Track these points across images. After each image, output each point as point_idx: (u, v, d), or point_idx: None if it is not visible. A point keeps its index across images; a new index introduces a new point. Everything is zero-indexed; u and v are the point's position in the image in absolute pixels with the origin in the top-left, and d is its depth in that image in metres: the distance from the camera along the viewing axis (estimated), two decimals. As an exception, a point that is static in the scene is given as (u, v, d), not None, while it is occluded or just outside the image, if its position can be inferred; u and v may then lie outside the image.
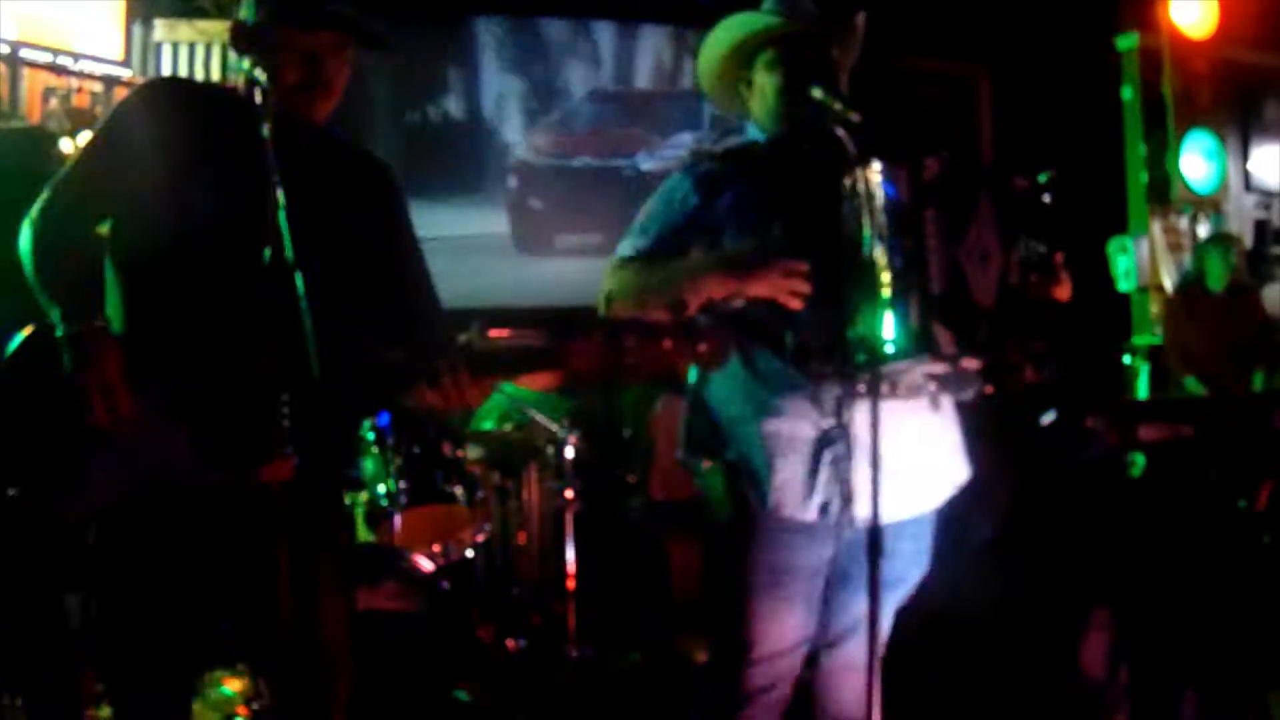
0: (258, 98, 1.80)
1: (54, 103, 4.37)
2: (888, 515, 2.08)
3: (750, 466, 2.17)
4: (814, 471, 2.12)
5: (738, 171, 2.26)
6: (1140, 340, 6.62)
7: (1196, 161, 6.78)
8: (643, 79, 6.45)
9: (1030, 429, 4.18)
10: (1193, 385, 5.65)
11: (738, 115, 2.40)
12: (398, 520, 3.64)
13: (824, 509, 2.12)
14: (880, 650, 1.94)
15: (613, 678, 3.91)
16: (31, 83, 4.46)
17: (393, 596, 3.50)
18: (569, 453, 4.02)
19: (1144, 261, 6.64)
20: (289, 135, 1.81)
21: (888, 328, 1.91)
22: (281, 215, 1.69)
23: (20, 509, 1.85)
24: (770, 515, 2.14)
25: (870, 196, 1.90)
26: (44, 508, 1.85)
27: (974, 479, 2.32)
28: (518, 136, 6.21)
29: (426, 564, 3.72)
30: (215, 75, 4.96)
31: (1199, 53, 6.74)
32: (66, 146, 4.10)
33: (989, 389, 2.17)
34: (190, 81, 2.69)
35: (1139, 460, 3.94)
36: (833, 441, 2.12)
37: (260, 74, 1.81)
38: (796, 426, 2.13)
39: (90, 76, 4.58)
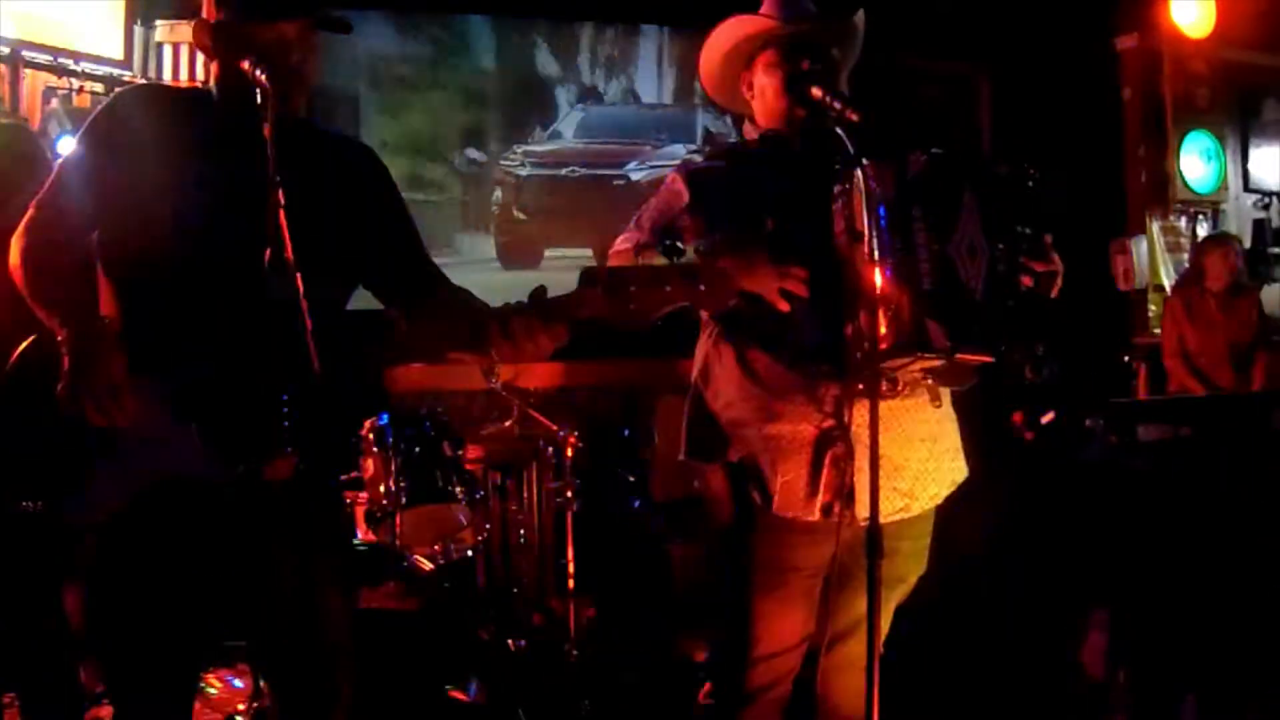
0: (258, 98, 1.80)
1: (55, 103, 4.37)
2: (888, 515, 2.08)
3: (753, 468, 2.17)
4: (816, 472, 2.13)
5: (734, 170, 2.26)
6: (1140, 340, 6.62)
7: (1196, 161, 6.78)
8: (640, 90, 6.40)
9: (1030, 429, 4.18)
10: (1191, 385, 5.67)
11: (740, 115, 2.41)
12: (398, 520, 3.64)
13: (827, 509, 2.13)
14: (880, 649, 1.94)
15: (613, 677, 3.91)
16: (32, 83, 4.46)
17: (393, 596, 3.50)
18: (569, 453, 4.03)
19: (1144, 261, 6.64)
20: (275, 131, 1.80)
21: (882, 325, 1.92)
22: (281, 215, 1.69)
23: (29, 518, 1.85)
24: (773, 515, 2.15)
25: (863, 195, 1.91)
26: (52, 516, 1.85)
27: (972, 478, 2.32)
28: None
29: (426, 564, 3.72)
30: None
31: (1198, 53, 6.75)
32: (66, 147, 4.10)
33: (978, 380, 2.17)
34: (164, 85, 2.71)
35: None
36: (834, 441, 2.12)
37: (262, 74, 1.81)
38: (797, 427, 2.13)
39: (91, 77, 4.57)
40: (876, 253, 1.90)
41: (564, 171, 6.11)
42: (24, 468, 1.85)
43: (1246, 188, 7.11)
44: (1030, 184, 2.08)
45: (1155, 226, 6.72)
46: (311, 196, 1.81)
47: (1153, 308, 6.60)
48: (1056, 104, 6.27)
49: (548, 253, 6.04)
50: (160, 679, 1.93)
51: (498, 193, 6.00)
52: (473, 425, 4.66)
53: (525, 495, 4.41)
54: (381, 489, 3.68)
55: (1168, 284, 6.56)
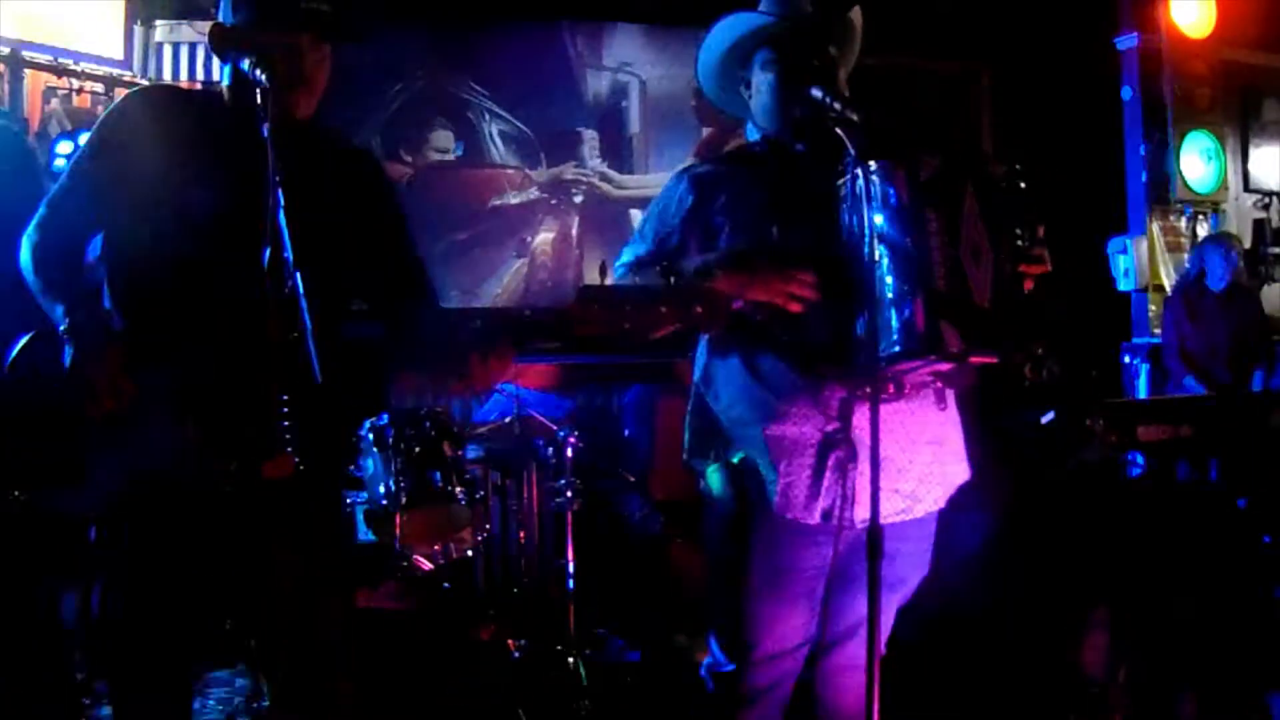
0: (258, 98, 1.81)
1: (54, 103, 4.38)
2: (889, 516, 2.08)
3: (755, 469, 2.17)
4: (819, 474, 2.12)
5: (734, 172, 2.25)
6: (1140, 340, 6.62)
7: (1196, 161, 6.78)
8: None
9: (1030, 429, 4.18)
10: (1190, 384, 5.67)
11: (737, 115, 2.41)
12: (398, 520, 3.64)
13: (827, 513, 2.12)
14: (880, 650, 1.94)
15: (613, 677, 3.91)
16: (32, 83, 4.46)
17: (393, 596, 3.51)
18: (569, 453, 4.03)
19: (1144, 261, 6.64)
20: (278, 134, 1.81)
21: (894, 327, 1.91)
22: (281, 215, 1.70)
23: (27, 510, 1.86)
24: (774, 517, 2.14)
25: (869, 196, 1.90)
26: (50, 508, 1.86)
27: (973, 479, 2.32)
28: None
29: (426, 564, 3.72)
30: (216, 75, 4.95)
31: (1198, 53, 6.74)
32: (65, 147, 4.10)
33: (974, 378, 2.17)
34: (173, 87, 2.69)
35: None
36: (837, 444, 2.12)
37: (261, 75, 1.81)
38: (801, 429, 2.13)
39: (91, 76, 4.58)
40: (889, 254, 1.89)
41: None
42: (19, 460, 1.86)
43: (1246, 188, 7.11)
44: (1023, 185, 2.07)
45: (1155, 226, 6.72)
46: (311, 197, 1.82)
47: (1153, 308, 6.60)
48: (1056, 103, 6.27)
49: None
50: (161, 678, 1.93)
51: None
52: (473, 425, 4.66)
53: (525, 495, 4.41)
54: (381, 489, 3.68)
55: (1168, 284, 6.56)
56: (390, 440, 3.71)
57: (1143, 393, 6.30)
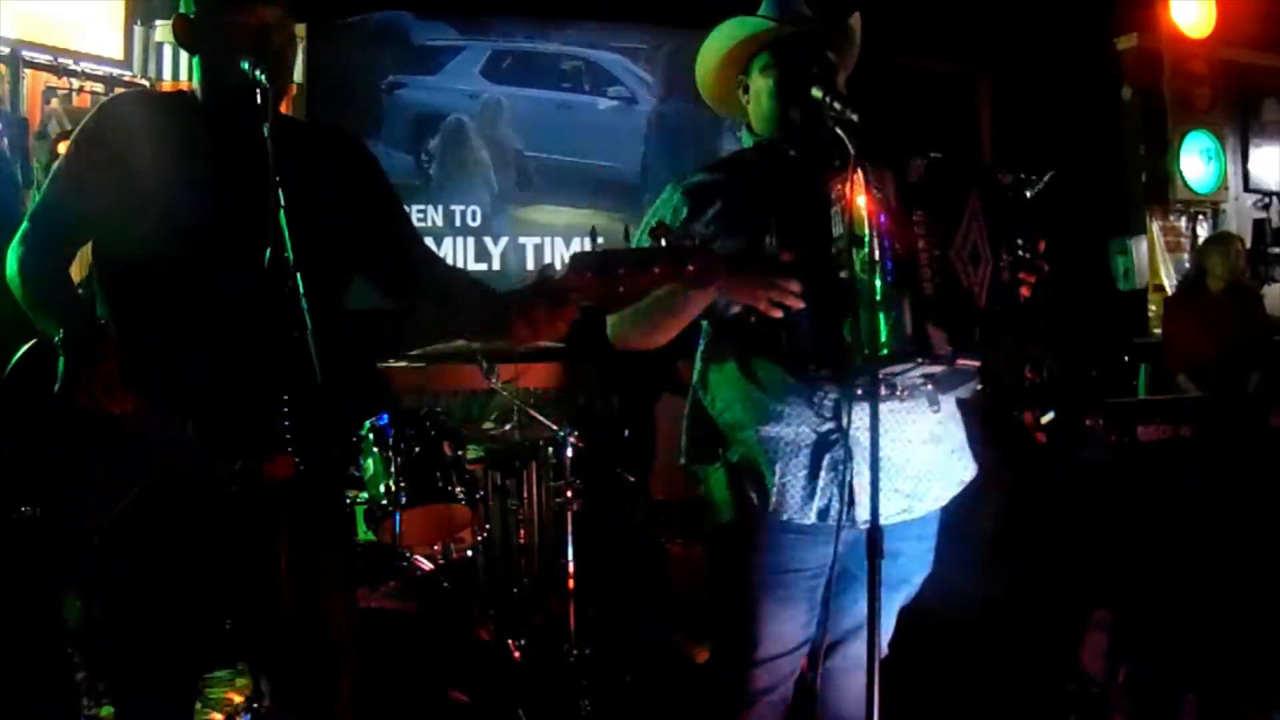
0: (257, 98, 1.80)
1: (54, 103, 4.37)
2: (890, 516, 2.08)
3: (751, 470, 2.17)
4: (814, 475, 2.13)
5: (728, 180, 2.26)
6: (1140, 340, 6.62)
7: (1196, 161, 6.78)
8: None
9: (1030, 429, 4.18)
10: (1185, 383, 5.68)
11: (734, 119, 2.41)
12: (398, 520, 3.64)
13: (823, 512, 2.13)
14: (882, 651, 1.94)
15: (613, 677, 3.91)
16: (32, 83, 4.45)
17: (393, 596, 3.50)
18: (569, 453, 4.02)
19: (1144, 261, 6.64)
20: (256, 126, 1.81)
21: (882, 330, 1.91)
22: (282, 215, 1.69)
23: (34, 525, 1.85)
24: (771, 518, 2.15)
25: (863, 198, 1.90)
26: (57, 522, 1.85)
27: (974, 478, 2.32)
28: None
29: (426, 564, 3.72)
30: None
31: (1198, 53, 6.75)
32: (65, 147, 4.09)
33: (981, 385, 2.17)
34: (144, 92, 2.70)
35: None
36: (832, 445, 2.12)
37: (261, 75, 1.81)
38: (796, 431, 2.13)
39: (91, 76, 4.57)
40: (876, 257, 1.90)
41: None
42: (23, 473, 1.85)
43: (1246, 188, 7.12)
44: (1029, 194, 2.08)
45: (1155, 226, 6.72)
46: (304, 192, 1.81)
47: (1153, 308, 6.61)
48: (1056, 104, 6.27)
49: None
50: (161, 679, 1.93)
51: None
52: (473, 425, 4.66)
53: (525, 495, 4.41)
54: (381, 489, 3.68)
55: (1168, 284, 6.57)
56: (390, 440, 3.71)
57: (1143, 393, 6.30)
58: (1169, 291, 6.40)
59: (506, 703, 3.49)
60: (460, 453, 3.96)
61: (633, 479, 4.76)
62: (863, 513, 2.03)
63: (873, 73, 2.61)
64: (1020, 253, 2.05)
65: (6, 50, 4.34)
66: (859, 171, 1.90)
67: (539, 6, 5.79)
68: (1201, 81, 6.80)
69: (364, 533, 3.81)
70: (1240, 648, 3.19)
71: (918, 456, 2.18)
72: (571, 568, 3.89)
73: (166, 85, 4.81)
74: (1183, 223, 6.80)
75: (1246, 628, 3.23)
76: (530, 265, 5.86)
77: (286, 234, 1.69)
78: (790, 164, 2.20)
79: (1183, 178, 6.71)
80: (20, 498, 1.85)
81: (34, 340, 1.91)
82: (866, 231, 1.91)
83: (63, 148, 3.47)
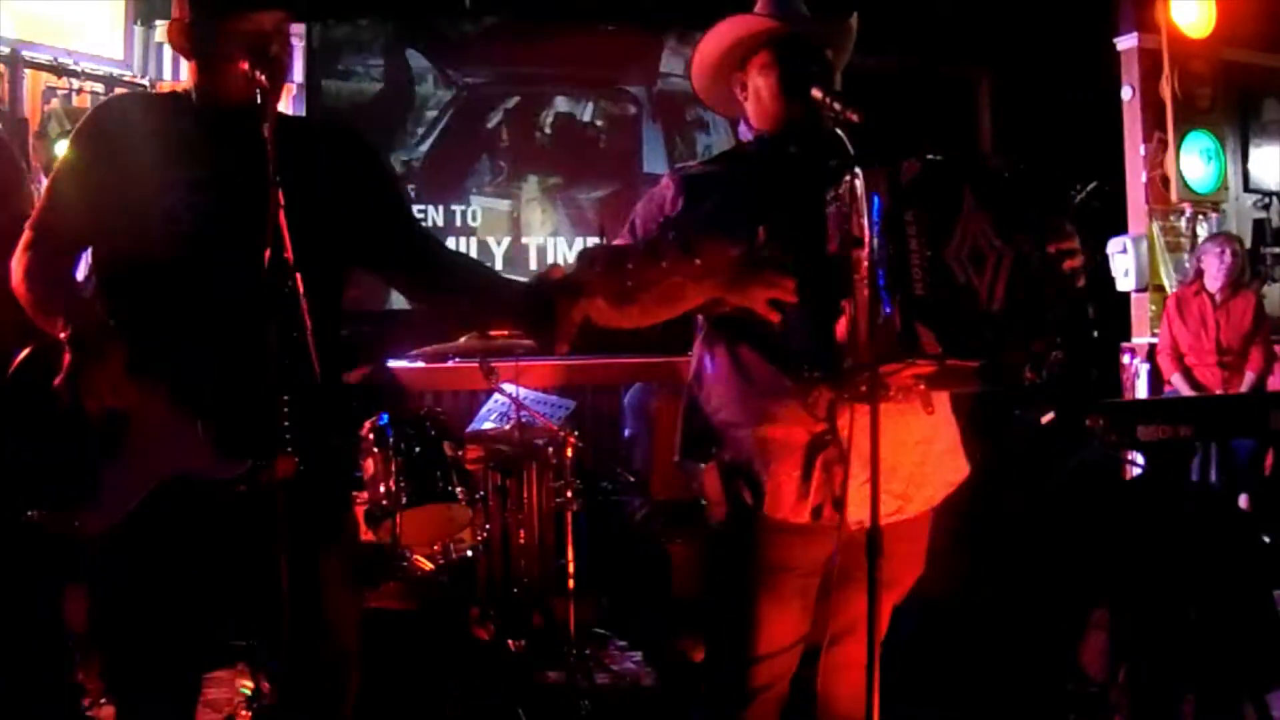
0: (257, 98, 1.81)
1: (54, 103, 4.37)
2: (882, 517, 2.08)
3: (745, 468, 2.17)
4: (807, 476, 2.13)
5: (725, 175, 2.26)
6: (1140, 340, 6.62)
7: (1196, 161, 6.78)
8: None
9: (1030, 429, 4.18)
10: (1179, 384, 5.68)
11: (728, 115, 2.41)
12: (398, 520, 3.64)
13: (816, 512, 2.13)
14: (878, 650, 1.94)
15: (613, 678, 3.92)
16: (32, 83, 4.46)
17: (393, 596, 3.51)
18: (569, 453, 4.03)
19: (1144, 261, 6.64)
20: (255, 127, 1.81)
21: (873, 330, 1.91)
22: (281, 215, 1.69)
23: (42, 530, 1.85)
24: (765, 517, 2.15)
25: (856, 199, 1.90)
26: (66, 526, 1.85)
27: (972, 478, 2.32)
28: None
29: (426, 564, 3.72)
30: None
31: (1198, 53, 6.75)
32: (62, 148, 4.10)
33: (979, 387, 2.16)
34: (138, 94, 2.69)
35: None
36: (825, 445, 2.12)
37: (260, 75, 1.81)
38: (789, 431, 2.13)
39: (91, 77, 4.58)
40: (868, 258, 1.90)
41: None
42: (28, 478, 1.85)
43: (1246, 188, 7.12)
44: (1029, 172, 2.06)
45: (1155, 226, 6.73)
46: (301, 190, 1.80)
47: (1153, 308, 6.61)
48: (1057, 104, 6.27)
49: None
50: (163, 678, 1.93)
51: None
52: (473, 426, 4.66)
53: (525, 495, 4.41)
54: (381, 489, 3.68)
55: (1168, 284, 6.57)
56: (390, 440, 3.71)
57: (1143, 393, 6.31)
58: (1169, 291, 6.40)
59: (506, 703, 3.50)
60: (460, 453, 3.96)
61: (633, 479, 4.77)
62: (855, 513, 2.03)
63: (873, 73, 2.61)
64: (1043, 232, 2.01)
65: (6, 50, 4.34)
66: (855, 171, 1.90)
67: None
68: (1201, 81, 6.80)
69: (364, 533, 3.82)
70: (1239, 647, 3.19)
71: (910, 457, 2.18)
72: (571, 568, 3.89)
73: (166, 85, 4.81)
74: (1183, 223, 6.80)
75: (1246, 627, 3.23)
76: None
77: (287, 234, 1.69)
78: (789, 162, 2.20)
79: (1183, 178, 6.71)
80: (25, 500, 1.85)
81: (37, 342, 1.91)
82: (860, 232, 1.91)
83: (60, 148, 3.47)
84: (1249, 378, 5.63)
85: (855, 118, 1.96)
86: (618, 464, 4.75)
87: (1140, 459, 3.49)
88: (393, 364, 4.81)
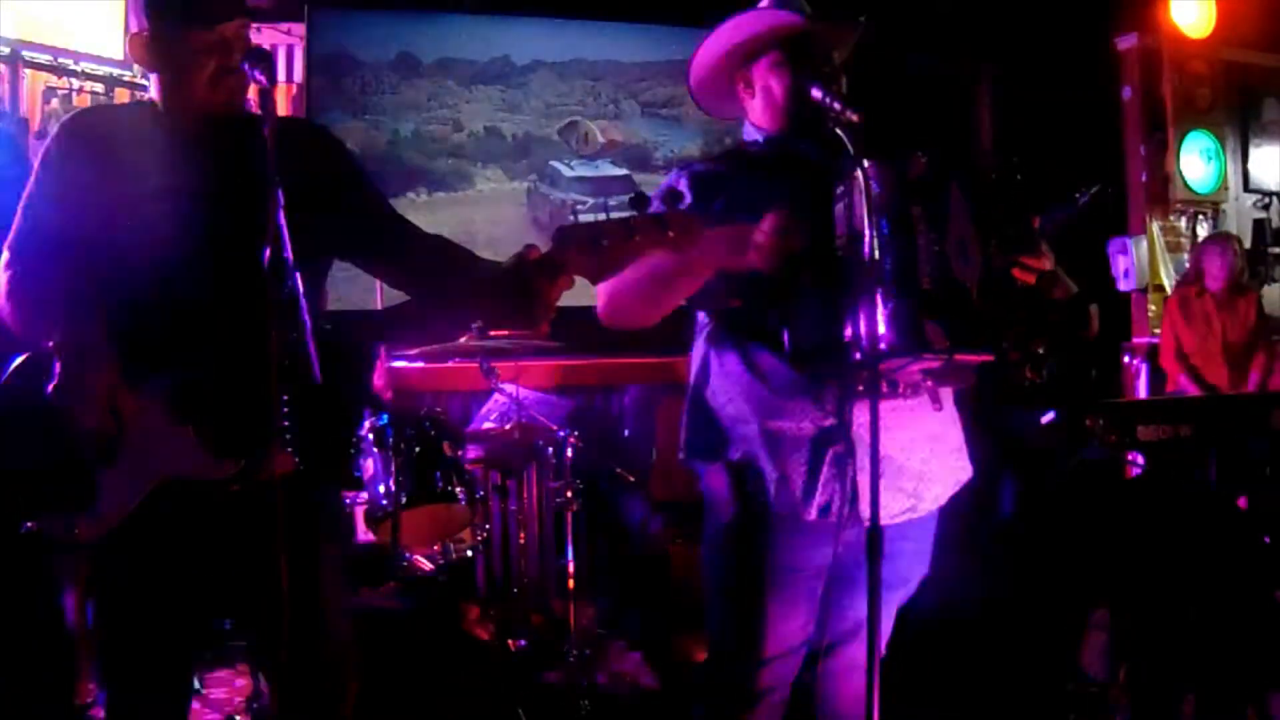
0: (257, 99, 1.81)
1: (54, 103, 4.38)
2: (889, 516, 2.08)
3: (752, 466, 2.17)
4: (816, 471, 2.12)
5: (734, 172, 2.26)
6: (1140, 340, 6.62)
7: (1196, 161, 6.78)
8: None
9: (1030, 429, 4.18)
10: (1186, 385, 5.67)
11: (725, 115, 2.40)
12: (398, 520, 3.64)
13: (824, 509, 2.12)
14: (880, 651, 1.94)
15: (613, 678, 3.92)
16: (32, 83, 4.46)
17: (393, 596, 3.51)
18: (569, 453, 4.03)
19: (1144, 261, 6.64)
20: (221, 130, 1.80)
21: (882, 325, 1.91)
22: (281, 215, 1.69)
23: (41, 539, 1.85)
24: (773, 514, 2.14)
25: (864, 195, 1.91)
26: (64, 535, 1.85)
27: (973, 478, 2.32)
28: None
29: (426, 564, 3.73)
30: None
31: (1198, 53, 6.75)
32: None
33: (973, 379, 2.15)
34: (101, 107, 2.69)
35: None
36: (834, 440, 2.12)
37: (260, 74, 1.81)
38: (797, 425, 2.13)
39: (91, 77, 4.58)
40: (877, 254, 1.90)
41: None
42: (25, 486, 1.85)
43: (1246, 188, 7.11)
44: (1018, 177, 2.06)
45: (1155, 226, 6.73)
46: (285, 189, 1.80)
47: (1153, 308, 6.61)
48: (1056, 104, 6.27)
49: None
50: (157, 678, 1.93)
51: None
52: (473, 426, 4.66)
53: (525, 495, 4.41)
54: (381, 489, 3.68)
55: (1168, 284, 6.57)
56: (390, 440, 3.71)
57: (1143, 393, 6.30)
58: (1169, 291, 6.40)
59: (506, 703, 3.50)
60: (460, 453, 3.96)
61: (633, 479, 4.77)
62: (866, 509, 2.03)
63: (874, 71, 2.61)
64: (1010, 239, 2.02)
65: (6, 50, 4.35)
66: (861, 169, 1.90)
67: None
68: (1201, 81, 6.80)
69: (364, 533, 3.82)
70: (1240, 647, 3.19)
71: (918, 455, 2.18)
72: (571, 568, 3.89)
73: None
74: (1183, 223, 6.80)
75: (1246, 627, 3.23)
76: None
77: (285, 235, 1.69)
78: (798, 160, 2.20)
79: (1183, 178, 6.71)
80: (23, 507, 1.85)
81: (28, 353, 1.91)
82: (868, 228, 1.91)
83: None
84: (1254, 378, 5.63)
85: (855, 118, 1.97)
86: (618, 464, 4.75)
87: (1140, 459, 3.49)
88: (394, 364, 4.81)
